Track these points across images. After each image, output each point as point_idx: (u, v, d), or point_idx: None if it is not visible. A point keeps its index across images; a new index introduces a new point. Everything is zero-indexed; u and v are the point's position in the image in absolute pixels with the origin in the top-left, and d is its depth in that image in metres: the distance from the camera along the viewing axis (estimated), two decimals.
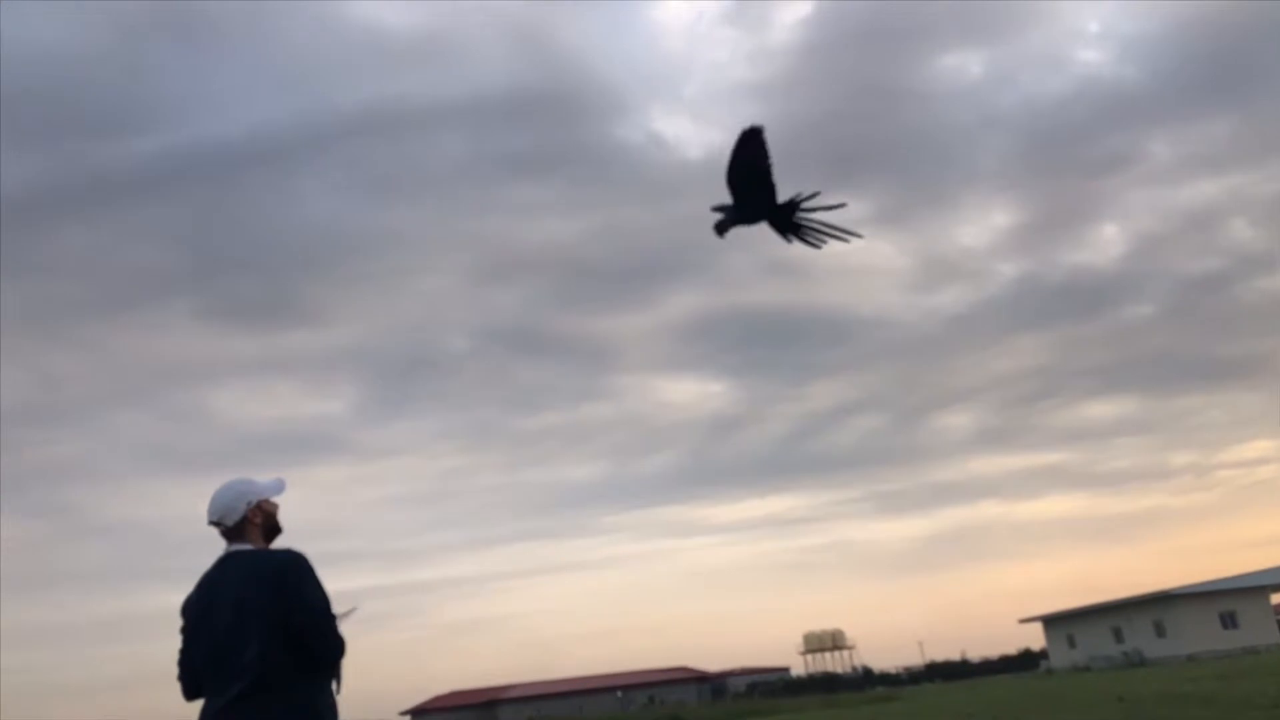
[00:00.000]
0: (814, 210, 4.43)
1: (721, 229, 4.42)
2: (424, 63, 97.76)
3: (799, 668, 74.72)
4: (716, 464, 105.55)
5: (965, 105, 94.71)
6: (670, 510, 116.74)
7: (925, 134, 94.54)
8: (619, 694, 64.98)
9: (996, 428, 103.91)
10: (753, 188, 4.26)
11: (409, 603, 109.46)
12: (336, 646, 3.13)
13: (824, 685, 61.89)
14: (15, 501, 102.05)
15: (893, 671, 70.02)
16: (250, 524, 3.28)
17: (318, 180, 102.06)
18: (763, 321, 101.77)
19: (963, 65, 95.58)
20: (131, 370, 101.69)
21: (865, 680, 65.02)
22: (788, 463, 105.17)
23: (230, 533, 3.28)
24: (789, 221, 4.43)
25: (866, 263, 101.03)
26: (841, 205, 4.45)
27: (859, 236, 4.60)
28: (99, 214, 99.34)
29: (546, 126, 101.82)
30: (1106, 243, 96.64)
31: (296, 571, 3.13)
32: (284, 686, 3.00)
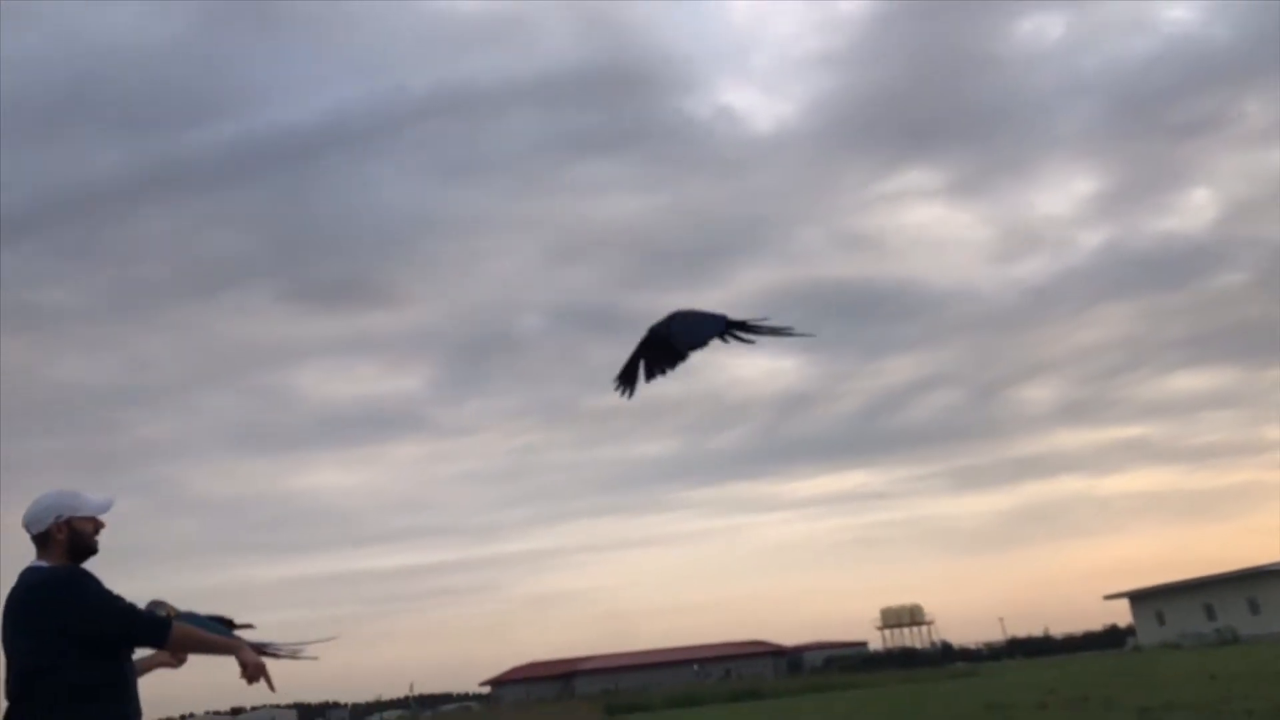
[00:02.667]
0: (759, 329, 4.14)
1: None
2: (494, 44, 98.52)
3: (876, 643, 74.31)
4: (789, 440, 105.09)
5: (1045, 69, 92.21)
6: (743, 486, 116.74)
7: (1003, 100, 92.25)
8: (695, 667, 65.34)
9: (1079, 401, 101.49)
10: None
11: (488, 577, 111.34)
12: (137, 628, 3.18)
13: (902, 660, 61.38)
14: (109, 479, 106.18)
15: (973, 647, 69.13)
16: (54, 539, 3.26)
17: (393, 163, 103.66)
18: (836, 296, 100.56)
19: (1042, 29, 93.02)
20: (218, 352, 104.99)
21: (944, 656, 64.30)
22: (862, 439, 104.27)
23: (37, 543, 3.28)
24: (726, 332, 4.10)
25: (944, 234, 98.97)
26: (788, 329, 4.21)
27: (810, 335, 4.54)
28: (183, 200, 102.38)
29: (615, 104, 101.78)
30: (1196, 208, 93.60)
31: (67, 585, 3.16)
32: (51, 701, 3.05)
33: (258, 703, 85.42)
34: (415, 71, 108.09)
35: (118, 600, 3.22)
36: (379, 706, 78.43)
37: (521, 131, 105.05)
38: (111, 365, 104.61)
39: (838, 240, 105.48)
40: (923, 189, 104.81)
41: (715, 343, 4.05)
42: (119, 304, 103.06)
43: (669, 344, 3.93)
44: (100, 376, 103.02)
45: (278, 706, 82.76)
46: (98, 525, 3.38)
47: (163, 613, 3.44)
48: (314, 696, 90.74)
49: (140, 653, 3.51)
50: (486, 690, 74.03)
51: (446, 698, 79.09)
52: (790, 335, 4.25)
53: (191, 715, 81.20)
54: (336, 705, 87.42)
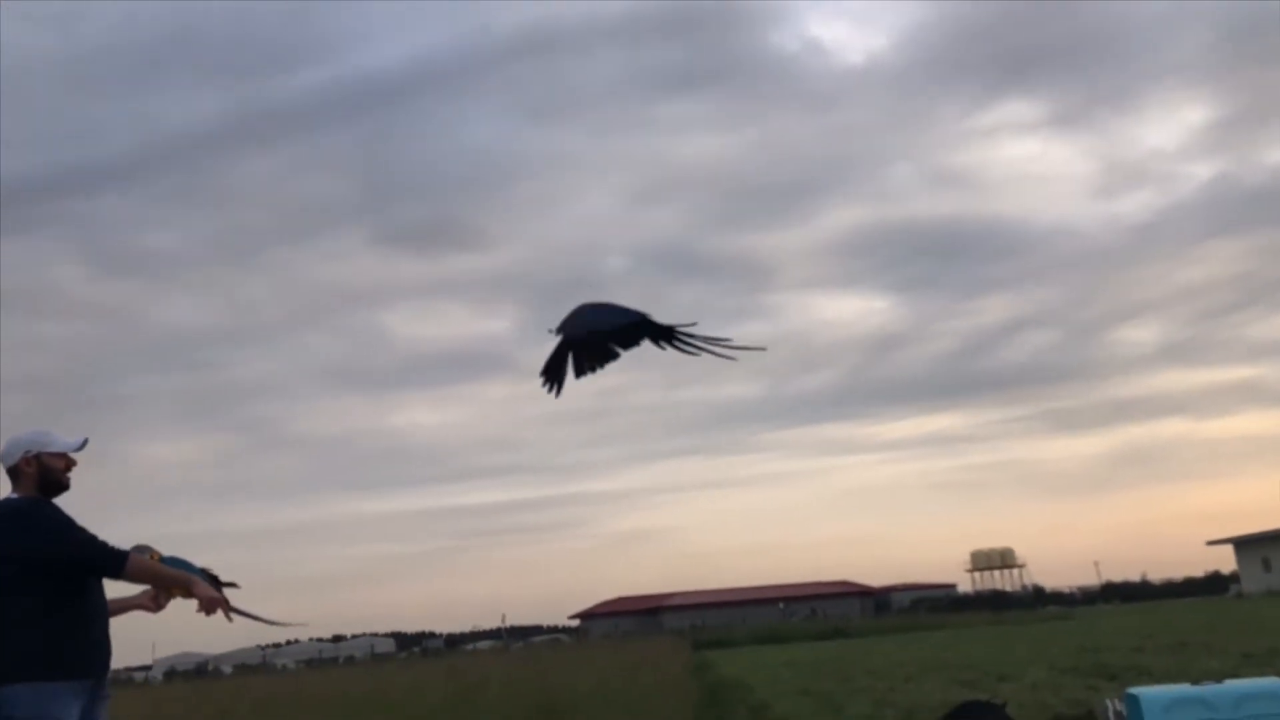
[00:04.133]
0: (694, 338, 3.81)
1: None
2: None
3: (965, 585, 73.51)
4: (878, 382, 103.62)
5: None
6: (830, 428, 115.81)
7: (1107, 26, 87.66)
8: (781, 605, 65.68)
9: (1184, 341, 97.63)
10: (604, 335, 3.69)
11: (575, 514, 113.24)
12: (92, 556, 3.31)
13: (992, 603, 60.63)
14: (214, 418, 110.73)
15: (1066, 591, 67.88)
16: (23, 473, 3.43)
17: (478, 105, 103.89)
18: (928, 235, 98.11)
19: None
20: (313, 294, 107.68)
21: (1037, 599, 63.31)
22: (954, 380, 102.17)
23: (10, 477, 3.44)
24: (661, 336, 3.80)
25: (1042, 169, 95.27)
26: (726, 340, 3.81)
27: (761, 349, 4.10)
28: (277, 146, 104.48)
29: (700, 39, 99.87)
30: None
31: (24, 514, 3.32)
32: (16, 622, 3.21)
33: (358, 631, 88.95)
34: (499, 12, 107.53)
35: (76, 529, 3.33)
36: (472, 637, 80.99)
37: (605, 70, 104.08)
38: (214, 307, 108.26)
39: (930, 177, 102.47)
40: (1020, 122, 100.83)
41: (650, 346, 3.74)
42: (220, 248, 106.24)
43: (585, 341, 3.65)
44: (204, 318, 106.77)
45: (376, 635, 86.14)
46: (69, 462, 3.50)
47: (146, 555, 3.53)
48: (410, 626, 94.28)
49: (121, 591, 3.64)
50: (575, 623, 75.75)
51: (537, 629, 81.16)
52: (728, 351, 3.81)
53: (296, 641, 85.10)
54: (432, 635, 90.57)
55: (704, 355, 3.82)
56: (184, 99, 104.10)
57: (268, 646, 77.85)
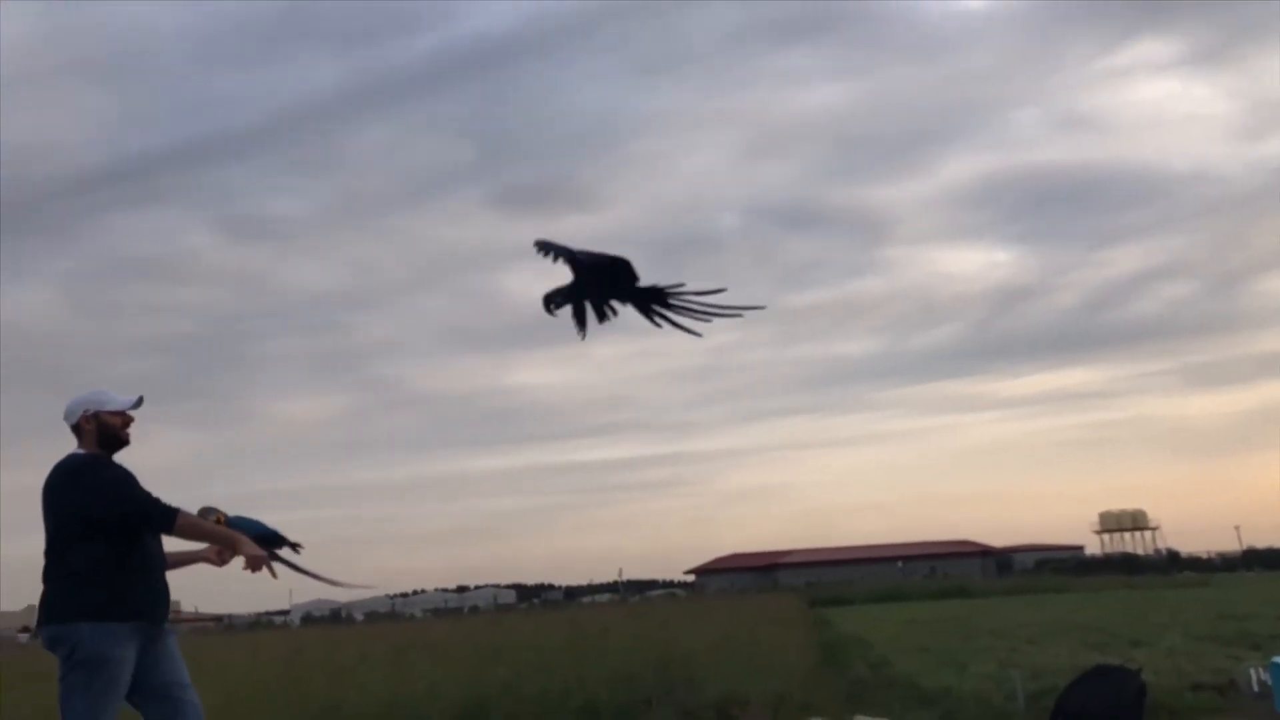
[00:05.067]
0: (684, 296, 3.60)
1: (552, 303, 3.61)
2: None
3: (1094, 547, 71.18)
4: (1002, 337, 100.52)
5: None
6: (951, 385, 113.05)
7: None
8: (899, 564, 64.87)
9: None
10: (605, 278, 3.56)
11: (690, 471, 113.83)
12: (142, 512, 3.50)
13: (1123, 566, 58.57)
14: (342, 377, 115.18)
15: (1204, 556, 65.00)
16: (84, 430, 3.65)
17: (588, 65, 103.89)
18: (1055, 182, 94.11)
19: None
20: (432, 257, 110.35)
21: (1171, 564, 60.84)
22: (1082, 334, 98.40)
23: (75, 434, 3.68)
24: (652, 304, 3.62)
25: (1179, 111, 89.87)
26: (720, 290, 3.57)
27: (760, 308, 3.76)
28: (394, 112, 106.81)
29: None
30: None
31: (81, 470, 3.54)
32: (71, 578, 3.46)
33: (481, 582, 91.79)
34: None
35: (127, 486, 3.53)
36: (590, 590, 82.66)
37: (716, 23, 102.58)
38: (339, 271, 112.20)
39: (1058, 122, 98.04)
40: (1156, 61, 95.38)
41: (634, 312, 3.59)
42: (343, 213, 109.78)
43: (599, 269, 3.52)
44: (330, 282, 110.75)
45: (499, 586, 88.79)
46: (126, 419, 3.71)
47: (213, 517, 3.76)
48: (530, 578, 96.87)
49: (183, 546, 3.84)
50: (691, 579, 76.45)
51: (653, 584, 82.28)
52: (725, 310, 3.59)
53: (423, 590, 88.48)
54: (551, 587, 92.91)
55: (706, 319, 3.63)
56: (304, 69, 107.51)
57: (396, 596, 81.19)
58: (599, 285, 3.62)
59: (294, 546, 4.05)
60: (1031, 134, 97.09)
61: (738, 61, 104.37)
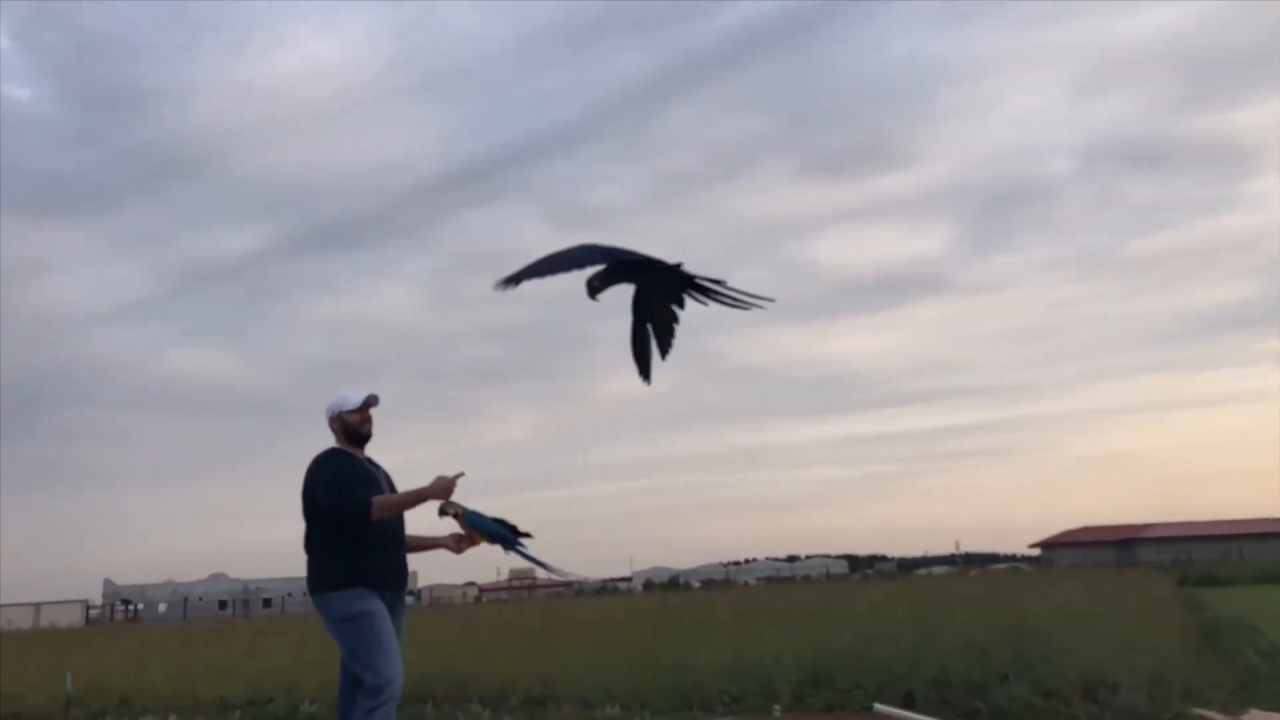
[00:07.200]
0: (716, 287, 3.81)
1: (594, 288, 3.72)
2: None
3: None
4: None
5: None
6: None
7: None
8: None
9: None
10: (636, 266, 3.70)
11: (1029, 438, 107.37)
12: (350, 511, 4.04)
13: None
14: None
15: None
16: (334, 429, 4.34)
17: (891, 17, 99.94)
18: None
19: None
20: (744, 230, 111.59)
21: None
22: None
23: (331, 432, 4.34)
24: (686, 287, 3.82)
25: None
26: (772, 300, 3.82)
27: (771, 300, 3.89)
28: (701, 89, 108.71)
29: None
30: None
31: (317, 464, 4.21)
32: (318, 552, 4.17)
33: (811, 552, 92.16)
34: None
35: (337, 481, 4.11)
36: (926, 562, 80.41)
37: None
38: (656, 252, 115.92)
39: None
40: None
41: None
42: (658, 195, 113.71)
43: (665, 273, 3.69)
44: None
45: (830, 556, 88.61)
46: (363, 416, 4.32)
47: (451, 511, 4.26)
48: (862, 549, 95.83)
49: (425, 530, 4.39)
50: (1036, 552, 72.05)
51: (994, 557, 78.48)
52: (753, 305, 3.84)
53: (754, 559, 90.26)
54: (884, 558, 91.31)
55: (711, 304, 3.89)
56: (616, 60, 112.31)
57: (729, 564, 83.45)
58: (635, 275, 3.80)
59: (526, 536, 4.45)
60: None
61: None
